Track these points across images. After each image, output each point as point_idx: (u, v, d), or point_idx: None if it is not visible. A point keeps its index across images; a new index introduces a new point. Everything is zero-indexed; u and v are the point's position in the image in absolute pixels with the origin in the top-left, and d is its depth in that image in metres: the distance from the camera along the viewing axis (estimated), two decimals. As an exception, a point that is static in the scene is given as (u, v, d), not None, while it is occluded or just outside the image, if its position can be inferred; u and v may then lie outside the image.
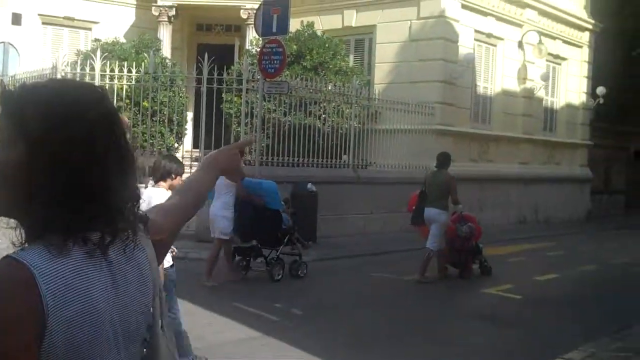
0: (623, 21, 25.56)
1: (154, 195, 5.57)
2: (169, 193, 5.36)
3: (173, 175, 6.07)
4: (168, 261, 5.95)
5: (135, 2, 20.06)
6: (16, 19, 18.46)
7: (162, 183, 6.04)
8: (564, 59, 23.50)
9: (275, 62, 13.48)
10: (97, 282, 1.45)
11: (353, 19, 19.22)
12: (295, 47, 16.33)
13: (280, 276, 10.38)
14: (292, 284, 10.39)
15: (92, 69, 13.79)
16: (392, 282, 11.03)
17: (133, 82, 14.09)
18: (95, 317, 1.42)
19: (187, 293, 8.99)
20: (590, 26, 24.21)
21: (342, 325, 8.13)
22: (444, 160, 11.28)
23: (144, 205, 1.68)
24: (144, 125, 14.31)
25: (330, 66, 16.57)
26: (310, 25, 17.62)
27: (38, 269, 1.36)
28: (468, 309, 9.50)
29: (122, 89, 14.05)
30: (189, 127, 16.54)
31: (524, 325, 8.67)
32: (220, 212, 9.94)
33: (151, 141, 14.38)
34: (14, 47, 14.74)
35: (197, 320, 7.94)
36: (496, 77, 20.50)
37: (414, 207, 11.45)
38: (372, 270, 11.72)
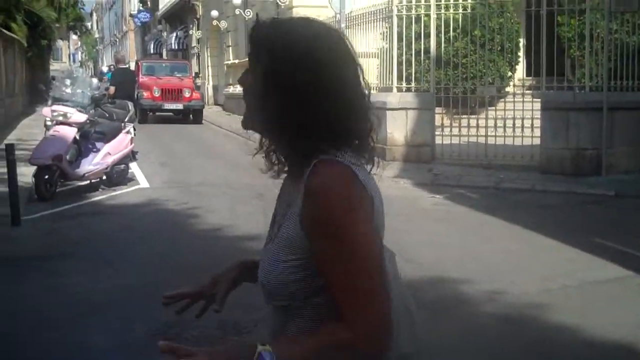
0: None
1: None
2: None
3: None
4: None
5: None
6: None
7: None
8: None
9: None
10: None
11: None
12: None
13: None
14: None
15: (427, 0, 13.72)
16: None
17: (469, 10, 13.82)
18: (381, 208, 1.66)
19: (540, 227, 8.74)
20: None
21: None
22: None
23: None
24: (477, 55, 14.00)
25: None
26: None
27: (354, 167, 1.60)
28: None
29: (454, 18, 13.86)
30: (521, 54, 15.88)
31: None
32: None
33: (485, 70, 14.06)
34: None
35: (559, 256, 7.67)
36: None
37: None
38: None
